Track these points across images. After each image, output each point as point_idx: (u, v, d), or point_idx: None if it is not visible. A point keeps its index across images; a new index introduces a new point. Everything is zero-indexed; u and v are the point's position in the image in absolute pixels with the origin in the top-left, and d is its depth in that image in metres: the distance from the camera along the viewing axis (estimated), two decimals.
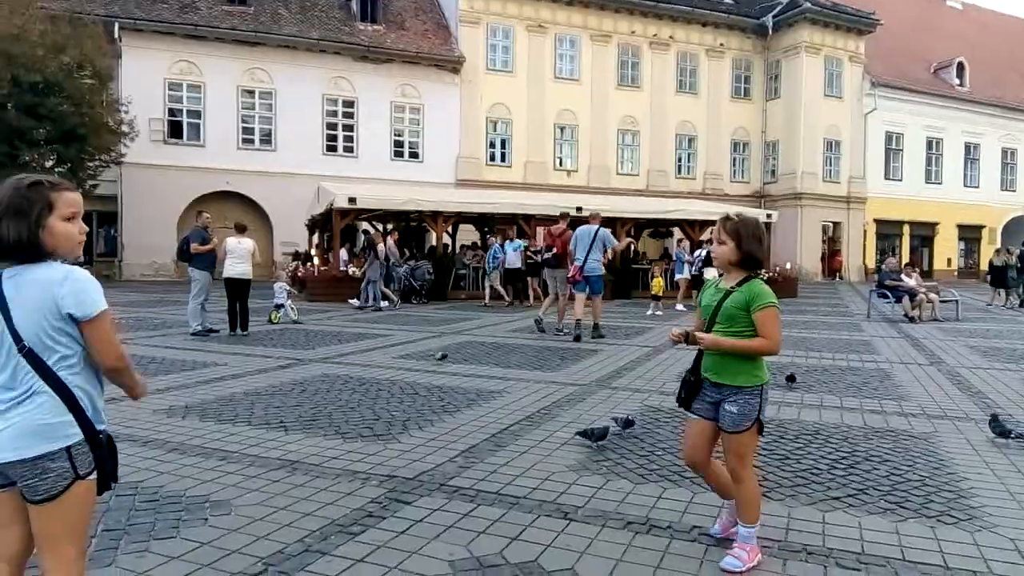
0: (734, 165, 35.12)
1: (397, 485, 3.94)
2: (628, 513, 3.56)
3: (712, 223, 18.61)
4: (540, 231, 23.82)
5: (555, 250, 11.31)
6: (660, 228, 24.86)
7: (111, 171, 23.62)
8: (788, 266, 24.16)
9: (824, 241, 34.57)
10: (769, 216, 22.90)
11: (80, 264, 2.11)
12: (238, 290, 10.73)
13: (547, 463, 4.37)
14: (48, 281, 1.95)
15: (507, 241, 17.85)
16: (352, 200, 17.37)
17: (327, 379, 7.10)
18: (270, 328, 11.63)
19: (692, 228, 20.63)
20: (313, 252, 21.90)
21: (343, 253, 18.99)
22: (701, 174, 34.02)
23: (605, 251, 10.74)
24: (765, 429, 3.20)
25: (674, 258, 18.38)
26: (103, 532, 3.22)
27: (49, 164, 20.32)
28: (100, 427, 2.03)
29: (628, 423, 5.06)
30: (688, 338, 3.02)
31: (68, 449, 1.94)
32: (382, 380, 7.07)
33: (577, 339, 10.24)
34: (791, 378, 6.99)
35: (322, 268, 19.26)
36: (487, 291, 17.25)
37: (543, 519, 3.47)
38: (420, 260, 18.93)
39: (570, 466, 4.32)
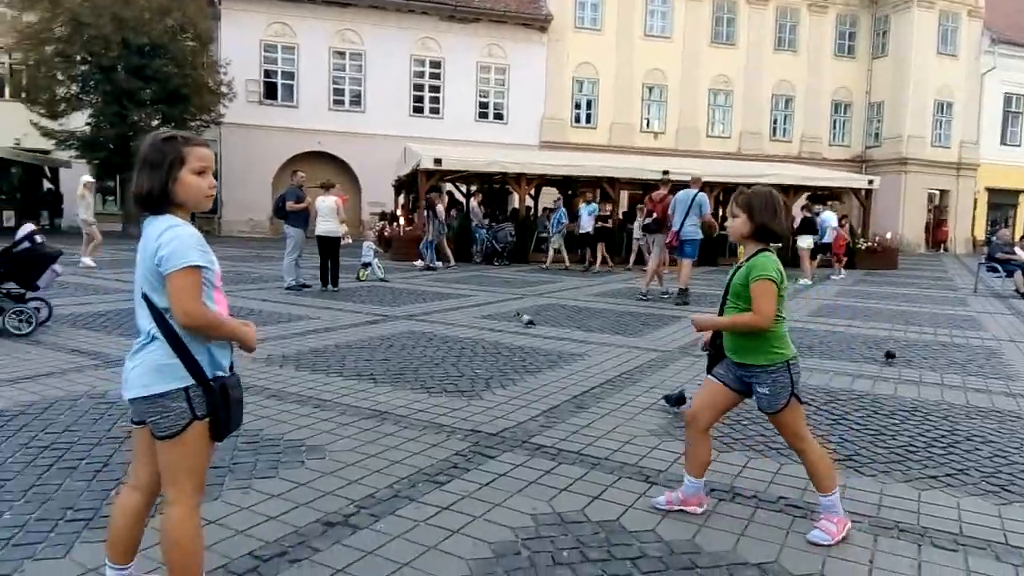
0: (834, 128, 33.27)
1: (481, 440, 4.03)
2: (711, 480, 3.52)
3: (808, 188, 17.82)
4: (624, 195, 23.47)
5: (655, 215, 11.37)
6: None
7: (211, 131, 24.68)
8: (888, 236, 22.83)
9: (929, 210, 32.47)
10: (870, 182, 21.72)
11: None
12: (327, 247, 11.10)
13: (629, 427, 4.37)
14: (155, 232, 2.07)
15: (583, 204, 17.60)
16: (438, 161, 17.54)
17: (412, 335, 7.30)
18: (358, 285, 12.01)
19: (786, 194, 19.77)
20: (399, 212, 22.32)
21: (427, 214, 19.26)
22: (798, 137, 32.42)
23: (701, 216, 10.66)
24: (854, 404, 3.08)
25: None
26: (209, 469, 3.44)
27: (155, 124, 21.40)
28: (217, 374, 2.14)
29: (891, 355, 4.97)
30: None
31: (186, 390, 2.07)
32: (465, 339, 7.20)
33: (685, 303, 10.39)
34: (890, 354, 6.68)
35: (407, 228, 19.62)
36: (549, 254, 17.12)
37: (624, 481, 3.49)
38: (502, 222, 19.00)
39: (652, 431, 4.31)
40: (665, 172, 18.65)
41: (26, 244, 6.79)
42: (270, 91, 26.82)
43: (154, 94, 21.34)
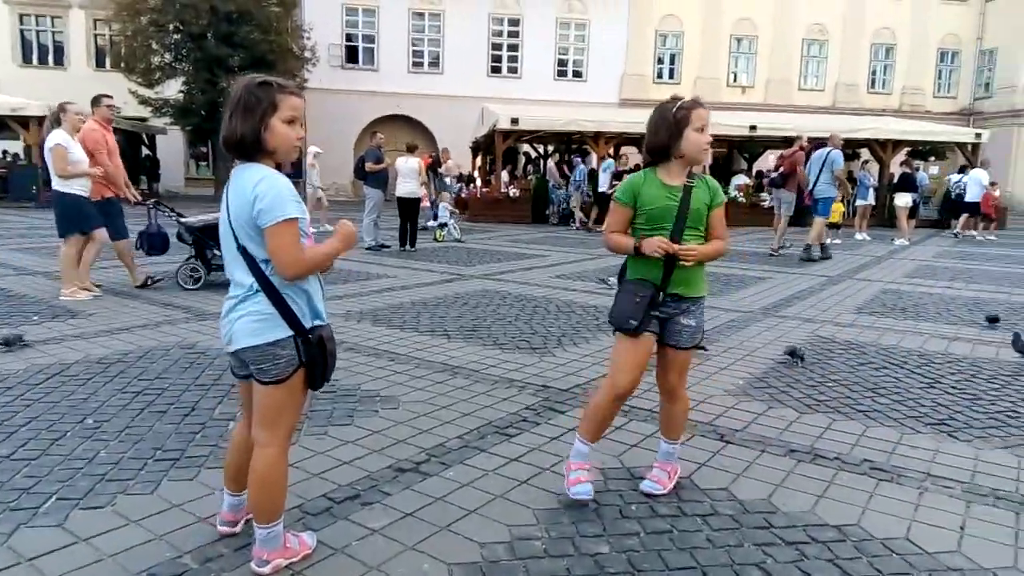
0: (939, 78, 30.97)
1: (551, 395, 4.01)
2: (791, 441, 3.39)
3: (908, 143, 16.78)
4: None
5: (782, 169, 11.68)
6: (846, 149, 22.69)
7: None
8: (997, 193, 21.22)
9: (980, 165, 29.90)
10: (978, 136, 20.17)
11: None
12: (407, 208, 11.23)
13: (704, 386, 4.25)
14: (249, 182, 2.04)
15: (602, 160, 16.58)
16: (515, 121, 17.39)
17: (487, 294, 7.32)
18: (435, 245, 12.14)
19: (883, 149, 18.65)
20: (476, 174, 22.35)
21: (504, 175, 19.22)
22: (898, 88, 30.37)
23: (833, 175, 10.73)
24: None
25: (858, 182, 16.78)
26: None
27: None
28: (315, 323, 2.17)
29: (796, 354, 4.78)
30: (673, 254, 2.57)
31: (294, 338, 2.11)
32: (538, 297, 7.18)
33: (808, 260, 10.60)
34: (992, 318, 6.20)
35: (484, 189, 19.66)
36: (591, 213, 16.07)
37: (698, 439, 3.40)
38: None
39: (728, 391, 4.18)
40: (752, 127, 18.06)
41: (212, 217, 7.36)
42: (351, 55, 27.19)
43: (242, 60, 21.96)
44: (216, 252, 7.12)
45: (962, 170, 17.67)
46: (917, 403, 3.99)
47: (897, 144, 19.16)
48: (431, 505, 2.66)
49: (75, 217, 6.56)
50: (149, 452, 3.08)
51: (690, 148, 2.59)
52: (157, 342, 5.00)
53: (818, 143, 11.53)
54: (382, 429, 3.42)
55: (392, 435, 3.34)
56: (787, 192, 11.53)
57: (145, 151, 26.60)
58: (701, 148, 2.62)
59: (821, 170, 10.61)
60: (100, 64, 27.42)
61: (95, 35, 27.33)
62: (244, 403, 2.32)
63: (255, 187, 2.01)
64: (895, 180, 15.54)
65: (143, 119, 24.73)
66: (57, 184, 6.44)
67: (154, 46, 22.24)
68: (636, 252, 2.62)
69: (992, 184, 16.65)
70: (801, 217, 12.64)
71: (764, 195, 18.59)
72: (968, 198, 16.21)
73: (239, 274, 2.12)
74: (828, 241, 13.81)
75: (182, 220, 7.46)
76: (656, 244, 2.56)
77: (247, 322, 2.10)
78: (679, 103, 2.62)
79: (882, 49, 30.21)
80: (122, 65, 23.99)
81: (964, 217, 16.27)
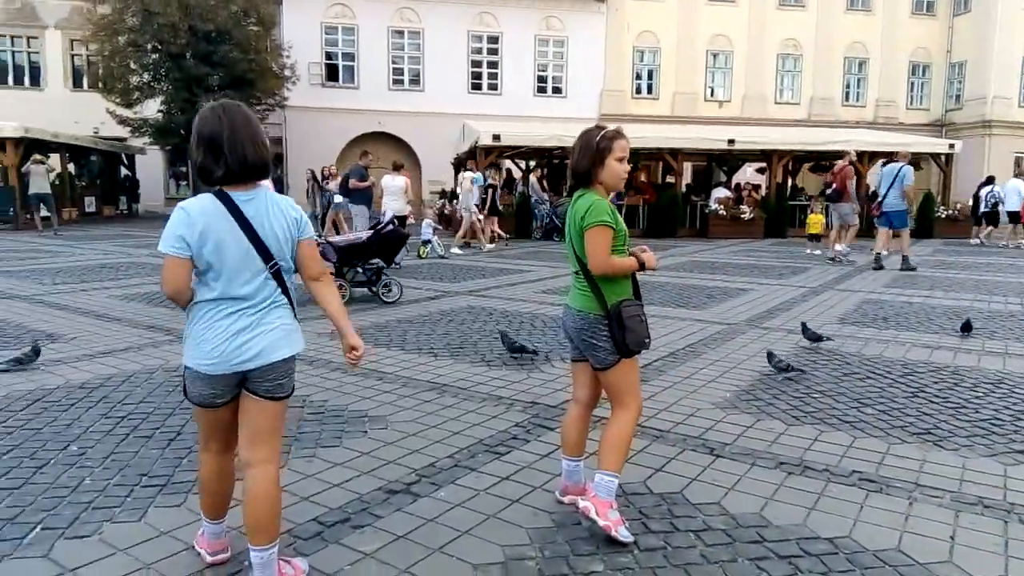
0: (911, 90, 31.55)
1: (540, 412, 4.01)
2: (780, 453, 3.41)
3: (882, 155, 17.18)
4: (687, 166, 22.84)
5: (835, 185, 12.29)
6: (822, 161, 23.02)
7: (276, 115, 25.23)
8: (971, 203, 21.61)
9: (1017, 176, 30.52)
10: (951, 147, 20.57)
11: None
12: None
13: (692, 399, 4.27)
14: (285, 204, 2.22)
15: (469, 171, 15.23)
16: (496, 137, 17.47)
17: (472, 310, 7.31)
18: (419, 262, 12.12)
19: (860, 161, 18.92)
20: (458, 190, 22.37)
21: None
22: (872, 101, 30.89)
23: (902, 190, 11.15)
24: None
25: None
26: None
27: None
28: None
29: (787, 367, 4.80)
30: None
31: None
32: (525, 313, 7.18)
33: (878, 268, 11.03)
34: (966, 326, 6.24)
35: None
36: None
37: (688, 453, 3.41)
38: (563, 198, 18.81)
39: (716, 404, 4.20)
40: (731, 141, 18.34)
41: (391, 227, 7.96)
42: (331, 73, 27.18)
43: (221, 80, 21.90)
44: (359, 269, 7.76)
45: (989, 181, 18.07)
46: (902, 413, 4.03)
47: (873, 156, 19.48)
48: (423, 527, 2.64)
49: None
50: (135, 478, 3.03)
51: (609, 177, 2.66)
52: (140, 365, 4.93)
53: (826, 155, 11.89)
54: (371, 450, 3.39)
55: (382, 456, 3.32)
56: (845, 204, 12.25)
57: (124, 171, 26.38)
58: (620, 177, 2.70)
59: (892, 185, 11.09)
60: (78, 84, 27.19)
61: (72, 55, 27.11)
62: (215, 432, 2.28)
63: (293, 208, 2.25)
64: (869, 192, 15.79)
65: (122, 139, 24.54)
66: None
67: (132, 66, 22.09)
68: (640, 269, 2.66)
69: None
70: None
71: (744, 207, 18.81)
72: (1008, 207, 16.70)
73: (260, 290, 2.17)
74: (808, 251, 14.01)
75: (330, 240, 7.76)
76: (652, 256, 2.68)
77: (283, 332, 2.21)
78: (603, 132, 2.68)
79: (855, 63, 30.77)
80: (100, 85, 23.80)
81: (1010, 227, 16.75)
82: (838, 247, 12.34)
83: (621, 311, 2.58)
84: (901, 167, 11.16)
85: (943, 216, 19.37)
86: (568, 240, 2.73)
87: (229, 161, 2.11)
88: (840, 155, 13.55)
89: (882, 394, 4.41)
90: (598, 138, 2.65)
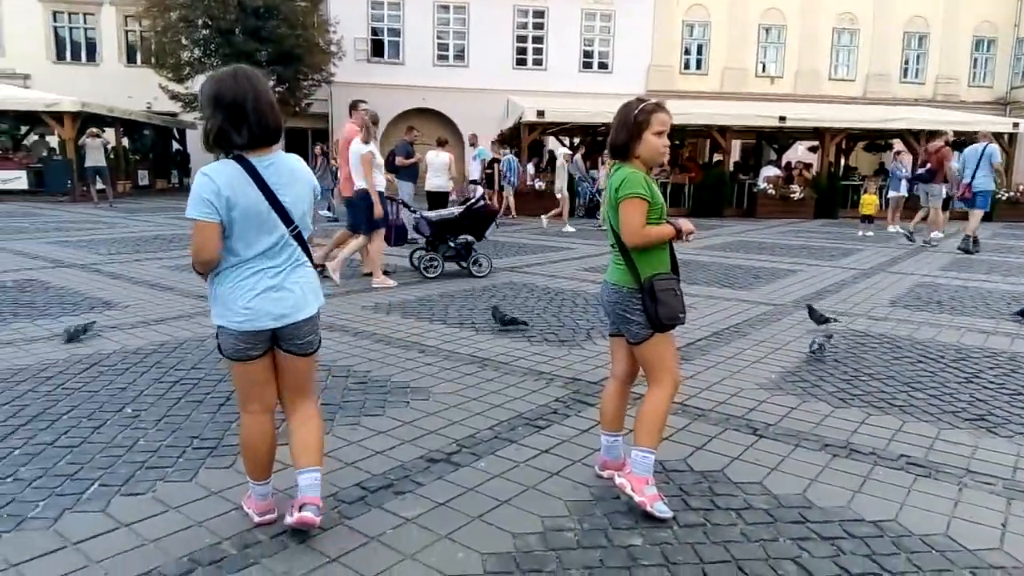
0: (974, 67, 30.18)
1: (581, 387, 4.01)
2: (825, 435, 3.35)
3: (941, 134, 16.61)
4: (736, 144, 22.35)
5: (929, 165, 12.28)
6: (877, 140, 22.28)
7: (322, 91, 25.43)
8: None
9: None
10: (1015, 126, 19.67)
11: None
12: (437, 202, 11.27)
13: (736, 379, 4.22)
14: (304, 171, 2.31)
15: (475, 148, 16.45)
16: (540, 113, 17.34)
17: (514, 286, 7.33)
18: None
19: (916, 140, 18.28)
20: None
21: (530, 167, 19.16)
22: (932, 78, 29.68)
23: (992, 167, 11.10)
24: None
25: (890, 173, 16.48)
26: (322, 406, 3.61)
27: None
28: None
29: (820, 346, 4.71)
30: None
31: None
32: (566, 290, 7.16)
33: (966, 252, 10.71)
34: (1023, 312, 6.05)
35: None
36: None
37: (730, 432, 3.37)
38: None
39: (760, 384, 4.14)
40: (782, 118, 17.86)
41: (482, 203, 8.21)
42: (377, 49, 27.24)
43: (269, 55, 22.15)
44: (451, 244, 7.87)
45: None
46: (955, 398, 3.92)
47: (932, 134, 18.75)
48: (463, 495, 2.68)
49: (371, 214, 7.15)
50: (186, 440, 3.14)
51: (647, 151, 2.59)
52: (192, 333, 5.08)
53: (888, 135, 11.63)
54: (413, 420, 3.44)
55: (423, 426, 3.37)
56: (936, 185, 12.22)
57: (176, 145, 27.00)
58: (658, 152, 2.61)
59: (978, 165, 10.99)
60: (131, 60, 27.82)
61: (126, 31, 27.73)
62: (254, 388, 2.36)
63: (311, 173, 2.36)
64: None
65: (173, 114, 25.07)
66: (363, 184, 7.04)
67: (183, 41, 22.48)
68: (677, 236, 2.61)
69: None
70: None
71: (794, 187, 18.36)
72: None
73: (277, 250, 2.24)
74: (860, 233, 13.62)
75: (425, 215, 7.94)
76: (689, 224, 2.64)
77: (306, 291, 2.31)
78: (641, 105, 2.60)
79: (915, 38, 29.55)
80: (152, 60, 24.32)
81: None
82: (935, 233, 12.31)
83: (654, 284, 2.55)
84: (985, 146, 11.06)
85: (1004, 198, 18.58)
86: (605, 214, 2.71)
87: (253, 127, 2.13)
88: (936, 134, 13.57)
89: (934, 378, 4.29)
90: (636, 111, 2.59)
